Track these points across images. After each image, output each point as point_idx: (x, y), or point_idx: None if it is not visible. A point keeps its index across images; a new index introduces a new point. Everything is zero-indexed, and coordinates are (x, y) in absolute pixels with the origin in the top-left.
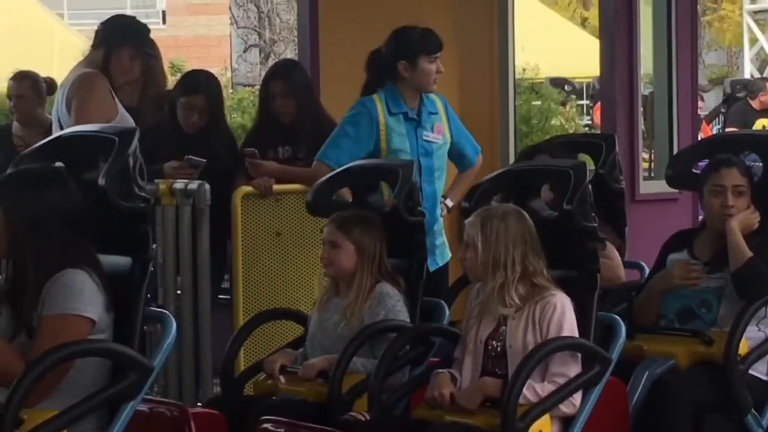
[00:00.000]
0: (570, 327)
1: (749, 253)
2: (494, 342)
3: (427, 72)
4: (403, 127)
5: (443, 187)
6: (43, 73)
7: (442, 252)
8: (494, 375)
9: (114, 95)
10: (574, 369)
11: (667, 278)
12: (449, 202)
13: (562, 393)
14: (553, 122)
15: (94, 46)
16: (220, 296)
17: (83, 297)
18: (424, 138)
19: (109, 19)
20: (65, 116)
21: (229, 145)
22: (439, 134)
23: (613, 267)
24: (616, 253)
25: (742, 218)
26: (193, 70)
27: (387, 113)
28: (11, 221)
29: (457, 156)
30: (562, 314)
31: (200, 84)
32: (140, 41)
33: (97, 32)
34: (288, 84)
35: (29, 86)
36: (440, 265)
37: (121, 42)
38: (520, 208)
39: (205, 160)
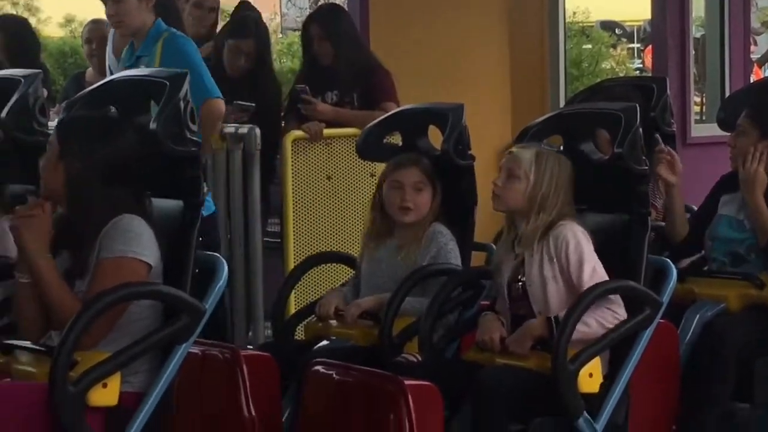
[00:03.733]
0: (589, 254)
1: None
2: (516, 284)
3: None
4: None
5: None
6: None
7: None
8: (520, 317)
9: None
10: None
11: None
12: None
13: (613, 335)
14: (603, 65)
15: None
16: (265, 239)
17: (141, 241)
18: None
19: None
20: (114, 62)
21: (275, 90)
22: None
23: None
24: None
25: (753, 184)
26: (242, 14)
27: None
28: (74, 166)
29: None
30: (578, 243)
31: (249, 28)
32: None
33: None
34: (323, 27)
35: (103, 33)
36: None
37: None
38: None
39: (254, 105)
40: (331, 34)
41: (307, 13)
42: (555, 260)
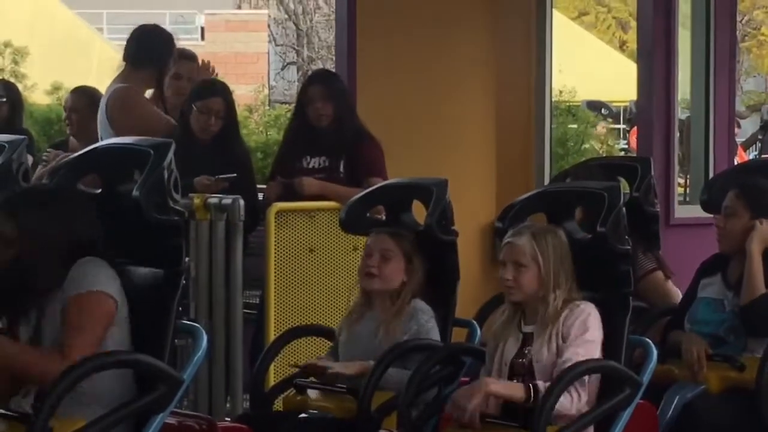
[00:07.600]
0: (594, 329)
1: (762, 289)
2: (521, 360)
3: None
4: None
5: None
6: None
7: None
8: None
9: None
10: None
11: (683, 350)
12: None
13: (593, 415)
14: (588, 145)
15: (139, 65)
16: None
17: (100, 277)
18: None
19: (148, 34)
20: (108, 132)
21: (245, 153)
22: None
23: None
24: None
25: (762, 237)
26: (205, 79)
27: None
28: (19, 233)
29: None
30: (587, 316)
31: (216, 88)
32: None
33: (138, 49)
34: (326, 87)
35: (86, 102)
36: None
37: (167, 59)
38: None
39: (235, 174)
40: (333, 95)
41: (295, 86)
42: (561, 333)
